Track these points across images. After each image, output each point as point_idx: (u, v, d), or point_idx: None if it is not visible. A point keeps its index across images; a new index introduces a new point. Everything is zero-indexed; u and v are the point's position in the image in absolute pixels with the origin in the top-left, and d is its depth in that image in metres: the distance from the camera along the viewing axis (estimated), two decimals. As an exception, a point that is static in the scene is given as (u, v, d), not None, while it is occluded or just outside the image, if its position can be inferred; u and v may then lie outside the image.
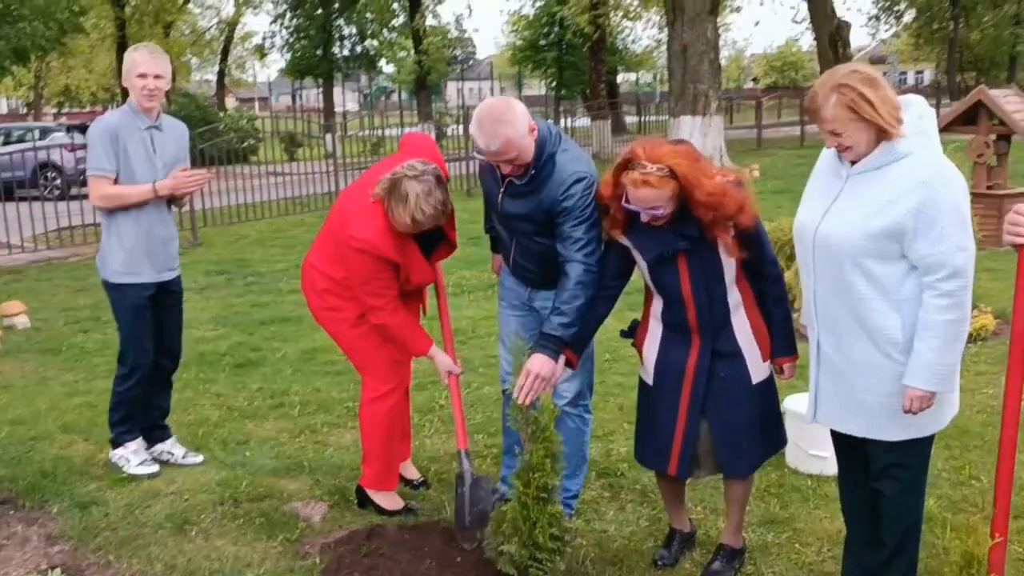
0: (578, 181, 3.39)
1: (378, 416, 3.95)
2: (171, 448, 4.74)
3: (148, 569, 3.62)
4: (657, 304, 3.40)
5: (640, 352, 3.50)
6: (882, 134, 2.76)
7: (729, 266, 3.23)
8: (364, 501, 4.08)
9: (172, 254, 4.56)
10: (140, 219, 4.37)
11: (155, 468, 4.55)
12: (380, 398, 3.94)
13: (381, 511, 4.01)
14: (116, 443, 4.59)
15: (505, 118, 3.30)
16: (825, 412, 3.10)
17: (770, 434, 3.43)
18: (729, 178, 3.16)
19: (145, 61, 4.30)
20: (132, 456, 4.55)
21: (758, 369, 3.33)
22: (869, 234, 2.77)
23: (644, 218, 3.17)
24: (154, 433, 4.73)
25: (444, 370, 3.90)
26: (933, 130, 2.81)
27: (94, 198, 4.35)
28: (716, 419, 3.33)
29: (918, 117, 2.79)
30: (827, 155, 3.01)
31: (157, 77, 4.31)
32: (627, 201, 3.14)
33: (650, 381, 3.45)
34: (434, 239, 3.86)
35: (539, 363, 3.29)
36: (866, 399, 2.94)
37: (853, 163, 2.86)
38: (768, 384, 3.38)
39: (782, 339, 3.33)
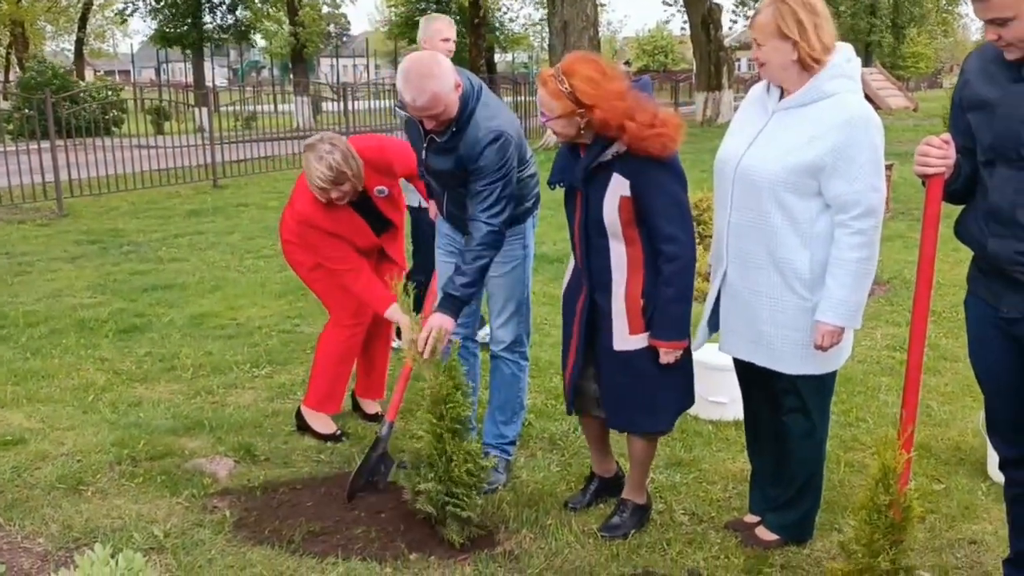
0: (494, 141, 3.34)
1: (336, 341, 4.28)
2: None
3: (43, 529, 3.43)
4: None
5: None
6: (800, 64, 2.85)
7: (612, 221, 3.11)
8: (302, 426, 4.33)
9: None
10: None
11: None
12: (342, 328, 4.27)
13: (316, 435, 4.27)
14: None
15: (432, 73, 3.25)
16: (730, 343, 3.20)
17: (640, 407, 3.28)
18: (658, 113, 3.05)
19: None
20: None
21: (621, 337, 3.21)
22: (789, 168, 2.86)
23: (541, 119, 3.17)
24: None
25: (405, 329, 3.57)
26: (857, 75, 2.92)
27: None
28: (595, 366, 3.35)
29: (846, 61, 2.89)
30: (755, 90, 3.09)
31: None
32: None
33: (561, 312, 3.49)
34: (379, 221, 4.15)
35: (439, 321, 3.36)
36: (769, 331, 3.04)
37: (781, 98, 2.94)
38: (637, 357, 3.21)
39: (657, 321, 3.16)
